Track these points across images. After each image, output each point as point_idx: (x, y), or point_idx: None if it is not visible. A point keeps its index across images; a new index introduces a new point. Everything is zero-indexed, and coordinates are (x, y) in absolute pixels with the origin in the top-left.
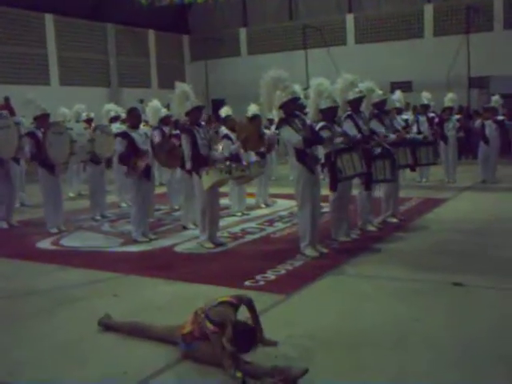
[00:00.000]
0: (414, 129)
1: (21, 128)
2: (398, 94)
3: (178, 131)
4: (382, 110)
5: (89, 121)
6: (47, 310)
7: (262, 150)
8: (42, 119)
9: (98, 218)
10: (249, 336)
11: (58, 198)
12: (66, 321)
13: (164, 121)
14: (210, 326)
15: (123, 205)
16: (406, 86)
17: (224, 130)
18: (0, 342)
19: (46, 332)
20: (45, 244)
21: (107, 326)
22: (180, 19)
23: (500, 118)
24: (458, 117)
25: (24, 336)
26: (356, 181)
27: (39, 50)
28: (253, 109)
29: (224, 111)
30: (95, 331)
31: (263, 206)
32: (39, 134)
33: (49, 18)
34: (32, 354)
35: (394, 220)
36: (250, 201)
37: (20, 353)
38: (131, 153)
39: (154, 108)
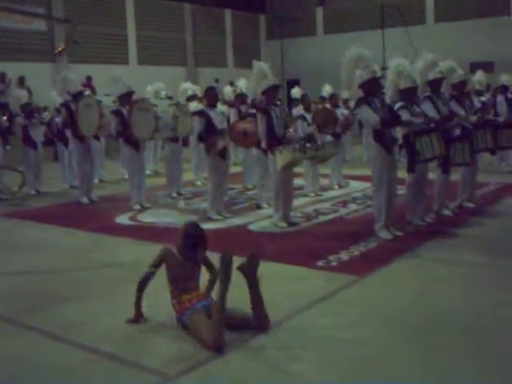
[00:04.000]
0: (492, 111)
1: (102, 106)
2: (479, 75)
3: (253, 110)
4: (461, 92)
5: (168, 99)
6: (125, 281)
7: (337, 130)
8: (127, 97)
9: (174, 195)
10: None
11: (142, 175)
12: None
13: (240, 100)
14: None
15: (198, 183)
16: (487, 67)
17: (299, 110)
18: (92, 310)
19: (123, 301)
20: (123, 219)
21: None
22: None
23: None
24: None
25: (109, 305)
26: (433, 164)
27: (119, 30)
28: (327, 89)
29: (295, 92)
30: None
31: (336, 187)
32: (124, 111)
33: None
34: (115, 324)
35: (471, 205)
36: (323, 182)
37: (105, 321)
38: (210, 131)
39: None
